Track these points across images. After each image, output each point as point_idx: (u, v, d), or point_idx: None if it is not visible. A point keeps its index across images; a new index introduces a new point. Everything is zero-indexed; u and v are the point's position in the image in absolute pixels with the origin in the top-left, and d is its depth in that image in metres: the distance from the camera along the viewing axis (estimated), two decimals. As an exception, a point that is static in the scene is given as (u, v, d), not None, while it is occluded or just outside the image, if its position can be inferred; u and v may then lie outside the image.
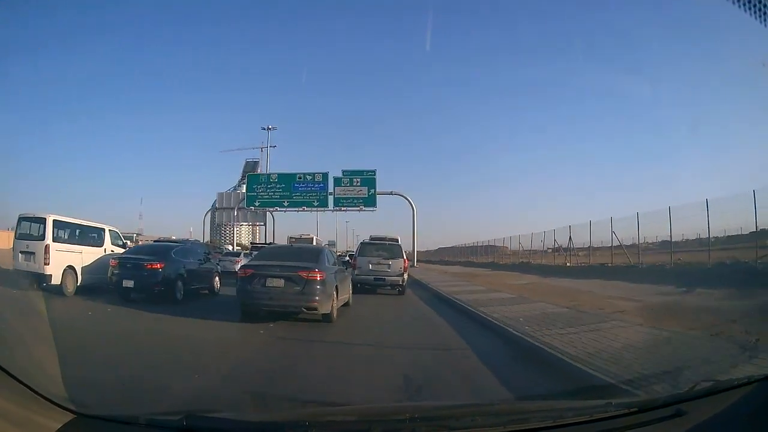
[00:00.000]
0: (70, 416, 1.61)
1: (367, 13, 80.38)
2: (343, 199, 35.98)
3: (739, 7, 2.43)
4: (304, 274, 7.76)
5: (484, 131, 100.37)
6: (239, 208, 39.59)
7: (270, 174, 38.03)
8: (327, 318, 8.13)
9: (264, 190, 37.37)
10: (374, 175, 36.50)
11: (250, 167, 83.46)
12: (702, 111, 59.94)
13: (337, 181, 36.33)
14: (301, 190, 36.64)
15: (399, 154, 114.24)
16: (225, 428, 1.74)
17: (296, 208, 36.60)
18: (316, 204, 36.20)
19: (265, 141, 49.45)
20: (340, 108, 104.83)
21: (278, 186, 37.13)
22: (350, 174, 36.57)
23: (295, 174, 37.35)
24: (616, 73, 47.04)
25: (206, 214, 46.63)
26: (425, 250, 74.78)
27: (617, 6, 57.23)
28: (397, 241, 17.32)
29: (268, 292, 7.74)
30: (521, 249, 39.42)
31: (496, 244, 45.50)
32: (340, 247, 61.44)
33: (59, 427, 1.54)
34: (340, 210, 36.54)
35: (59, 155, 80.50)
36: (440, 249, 67.53)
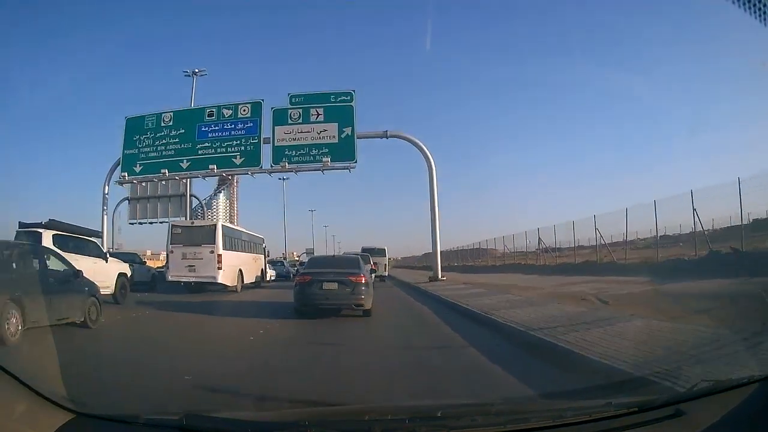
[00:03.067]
0: (70, 416, 1.60)
1: None
2: (291, 148, 18.35)
3: (739, 6, 2.44)
4: (353, 278, 8.84)
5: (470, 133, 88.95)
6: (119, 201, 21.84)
7: (162, 113, 20.36)
8: (368, 313, 9.03)
9: (150, 144, 20.03)
10: (351, 100, 18.83)
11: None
12: (701, 110, 58.08)
13: (280, 117, 18.74)
14: (212, 139, 19.16)
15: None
16: (225, 428, 1.72)
17: (201, 171, 19.05)
18: (238, 161, 18.58)
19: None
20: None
21: (173, 134, 19.75)
22: (304, 101, 18.94)
23: (203, 109, 19.81)
24: (613, 72, 44.91)
25: (115, 210, 28.78)
26: (411, 255, 72.56)
27: (616, 5, 53.36)
28: (384, 250, 25.75)
29: (325, 294, 8.73)
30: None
31: (484, 246, 41.36)
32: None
33: (59, 426, 1.54)
34: (285, 170, 18.76)
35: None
36: (426, 254, 64.81)
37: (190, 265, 16.00)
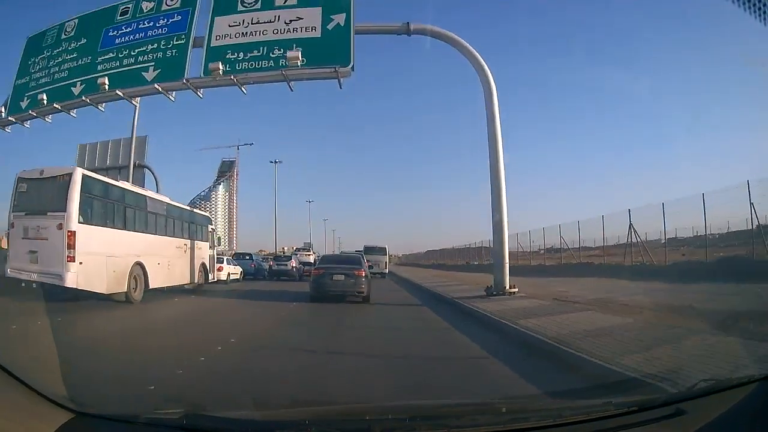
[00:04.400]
0: (70, 415, 1.55)
1: None
2: (238, 49, 10.54)
3: (739, 6, 2.45)
4: (356, 272, 11.34)
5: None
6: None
7: (65, 22, 13.11)
8: (367, 299, 11.25)
9: (44, 67, 12.96)
10: (346, -27, 10.75)
11: (226, 167, 60.50)
12: (701, 111, 57.47)
13: (223, 4, 11.01)
14: (119, 46, 11.69)
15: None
16: (225, 427, 1.67)
17: (94, 95, 11.54)
18: (150, 75, 10.87)
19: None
20: None
21: (72, 47, 12.58)
22: (267, -24, 11.07)
23: (116, 7, 12.31)
24: (614, 72, 41.85)
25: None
26: (411, 252, 74.04)
27: (617, 5, 53.75)
28: (385, 249, 27.52)
29: (335, 284, 11.12)
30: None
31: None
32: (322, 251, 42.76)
33: (59, 426, 1.48)
34: (221, 82, 10.79)
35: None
36: (429, 252, 63.22)
37: (32, 251, 8.56)
